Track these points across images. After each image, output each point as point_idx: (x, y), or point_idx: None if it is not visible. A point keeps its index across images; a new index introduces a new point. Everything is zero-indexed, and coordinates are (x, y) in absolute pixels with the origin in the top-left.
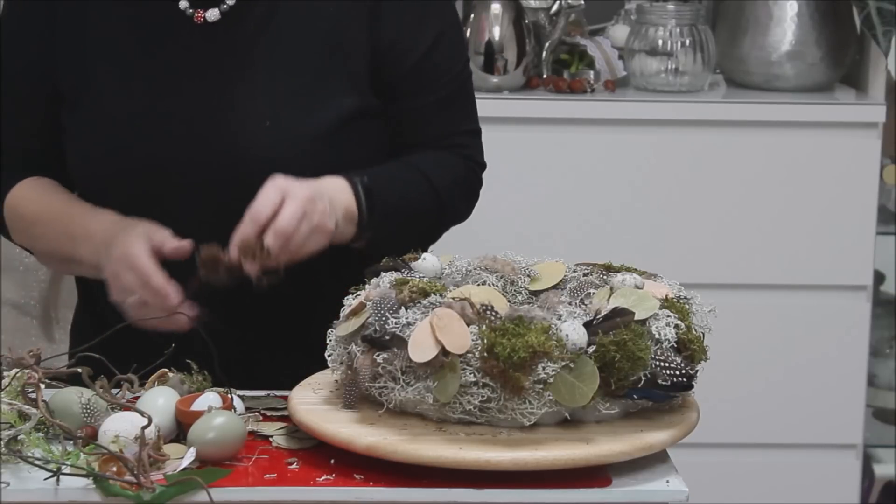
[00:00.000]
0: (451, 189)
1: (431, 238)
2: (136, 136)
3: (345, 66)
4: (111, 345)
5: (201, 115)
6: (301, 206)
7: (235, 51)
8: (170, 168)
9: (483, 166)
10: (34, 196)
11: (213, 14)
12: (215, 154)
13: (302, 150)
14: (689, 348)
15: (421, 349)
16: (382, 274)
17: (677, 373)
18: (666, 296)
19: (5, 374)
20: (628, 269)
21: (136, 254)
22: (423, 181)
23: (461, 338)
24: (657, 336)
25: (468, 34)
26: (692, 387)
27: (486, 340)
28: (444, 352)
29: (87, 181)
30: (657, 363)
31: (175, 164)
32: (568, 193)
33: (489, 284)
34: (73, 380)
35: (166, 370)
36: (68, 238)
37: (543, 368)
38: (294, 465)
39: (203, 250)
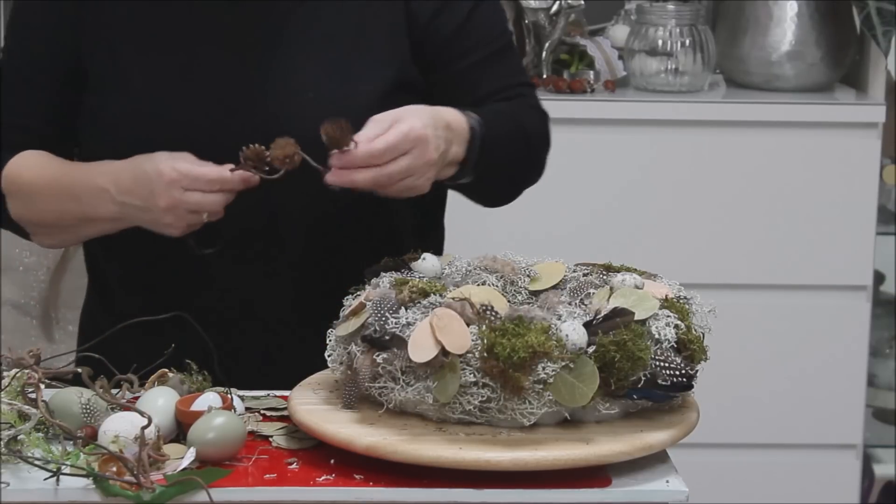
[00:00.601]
0: (536, 136)
1: (512, 194)
2: (171, 113)
3: (384, 39)
4: (120, 341)
5: (240, 88)
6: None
7: (273, 23)
8: (207, 144)
9: (548, 116)
10: (31, 167)
11: None
12: (255, 128)
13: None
14: (689, 348)
15: (421, 349)
16: (382, 274)
17: (677, 373)
18: (666, 296)
19: (5, 374)
20: (628, 269)
21: (185, 170)
22: (515, 125)
23: (461, 338)
24: (657, 336)
25: None
26: (692, 387)
27: (485, 340)
28: (443, 352)
29: None
30: (657, 363)
31: (213, 139)
32: (568, 193)
33: (489, 284)
34: (77, 379)
35: (166, 370)
36: (71, 199)
37: (543, 368)
38: (294, 465)
39: (247, 149)
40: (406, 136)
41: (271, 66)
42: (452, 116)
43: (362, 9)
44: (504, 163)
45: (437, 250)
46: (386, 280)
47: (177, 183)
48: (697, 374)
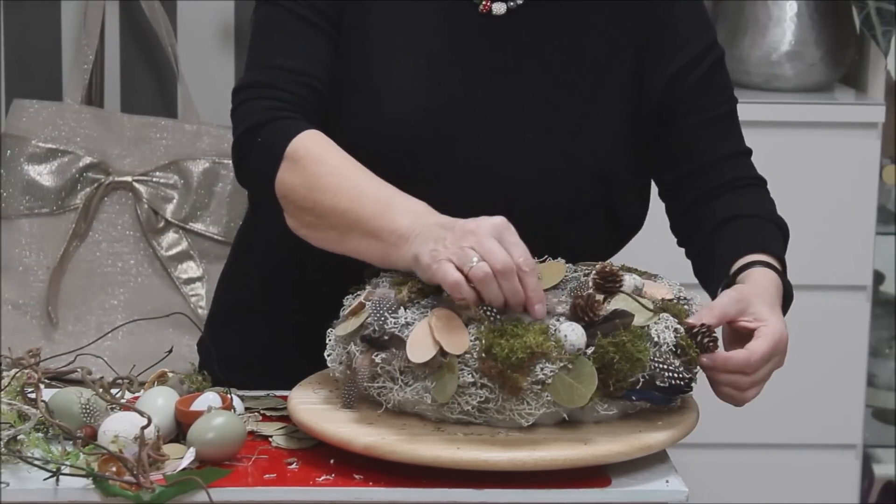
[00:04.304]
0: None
1: None
2: (403, 112)
3: (616, 91)
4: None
5: (469, 107)
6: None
7: (510, 51)
8: (429, 153)
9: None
10: (335, 147)
11: (499, 7)
12: (468, 154)
13: (565, 173)
14: (688, 354)
15: (419, 349)
16: (382, 274)
17: (675, 375)
18: (664, 297)
19: (5, 374)
20: (628, 269)
21: (511, 234)
22: (784, 241)
23: (459, 338)
24: (656, 339)
25: None
26: (690, 389)
27: (484, 341)
28: (442, 352)
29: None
30: (656, 365)
31: (434, 151)
32: None
33: None
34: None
35: (165, 370)
36: (381, 203)
37: (542, 369)
38: (294, 465)
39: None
40: (777, 345)
41: (500, 94)
42: (782, 297)
43: (601, 55)
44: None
45: None
46: (385, 280)
47: (496, 228)
48: (696, 377)
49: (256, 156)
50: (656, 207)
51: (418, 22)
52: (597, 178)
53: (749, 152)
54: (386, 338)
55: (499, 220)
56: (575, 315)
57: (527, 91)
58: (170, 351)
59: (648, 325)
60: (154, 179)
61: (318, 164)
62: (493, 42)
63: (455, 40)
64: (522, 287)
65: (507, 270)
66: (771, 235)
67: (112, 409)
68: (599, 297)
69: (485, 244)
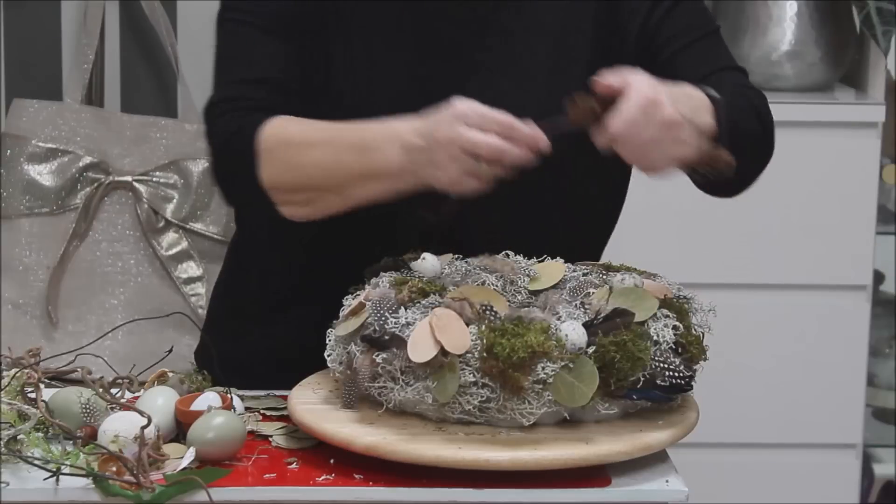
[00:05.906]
0: (764, 112)
1: (750, 178)
2: (375, 102)
3: (588, 43)
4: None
5: (440, 92)
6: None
7: (470, 25)
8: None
9: (765, 97)
10: (298, 123)
11: None
12: None
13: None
14: (689, 350)
15: (420, 349)
16: (382, 274)
17: (676, 374)
18: (665, 295)
19: (5, 373)
20: (628, 269)
21: (476, 108)
22: (745, 99)
23: (460, 338)
24: (655, 338)
25: None
26: (691, 388)
27: (485, 340)
28: (443, 352)
29: None
30: (656, 364)
31: None
32: None
33: (489, 284)
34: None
35: (165, 370)
36: (354, 150)
37: (543, 368)
38: (294, 465)
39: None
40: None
41: (467, 70)
42: (685, 85)
43: (564, 12)
44: (747, 138)
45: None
46: (385, 280)
47: (462, 117)
48: (696, 375)
49: (237, 174)
50: (653, 208)
51: (374, 15)
52: (575, 143)
53: (743, 70)
54: (387, 337)
55: (457, 110)
56: (574, 117)
57: (494, 63)
58: (170, 351)
59: (648, 323)
60: (154, 179)
61: (287, 146)
62: (451, 19)
63: (416, 26)
64: (521, 140)
65: (500, 150)
66: (730, 92)
67: (112, 408)
68: (597, 106)
69: (466, 140)
